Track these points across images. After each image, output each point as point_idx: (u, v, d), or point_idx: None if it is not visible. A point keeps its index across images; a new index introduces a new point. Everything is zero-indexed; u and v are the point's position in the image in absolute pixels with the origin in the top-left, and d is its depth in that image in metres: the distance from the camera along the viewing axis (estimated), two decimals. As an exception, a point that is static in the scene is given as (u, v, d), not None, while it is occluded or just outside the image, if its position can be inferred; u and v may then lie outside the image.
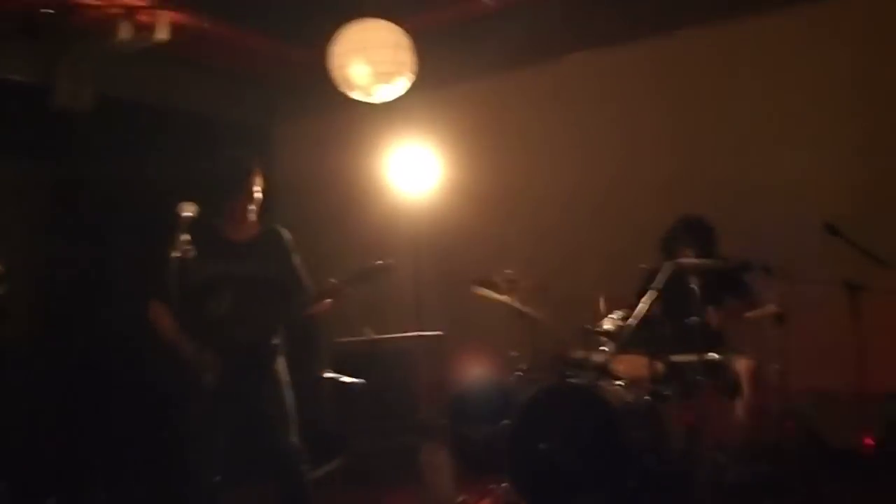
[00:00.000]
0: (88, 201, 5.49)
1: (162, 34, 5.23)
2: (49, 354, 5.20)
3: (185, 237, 3.27)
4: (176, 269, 3.17)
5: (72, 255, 5.32)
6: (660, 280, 4.18)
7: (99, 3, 5.00)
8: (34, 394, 5.01)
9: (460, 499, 4.43)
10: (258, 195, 3.75)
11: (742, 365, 4.51)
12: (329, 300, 3.70)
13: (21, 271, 4.88)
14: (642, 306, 4.01)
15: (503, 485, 4.39)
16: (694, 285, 4.21)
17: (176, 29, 5.26)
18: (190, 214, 3.33)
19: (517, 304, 4.59)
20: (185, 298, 3.31)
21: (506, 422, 4.27)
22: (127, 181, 5.58)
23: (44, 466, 4.82)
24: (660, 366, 4.29)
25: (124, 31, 5.22)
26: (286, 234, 3.89)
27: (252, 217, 3.78)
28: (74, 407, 5.14)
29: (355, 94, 4.71)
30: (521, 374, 4.59)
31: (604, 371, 4.22)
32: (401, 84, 4.66)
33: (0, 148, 5.05)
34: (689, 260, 4.24)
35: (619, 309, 4.51)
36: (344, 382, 4.36)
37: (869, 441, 4.31)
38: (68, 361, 5.23)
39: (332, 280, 3.62)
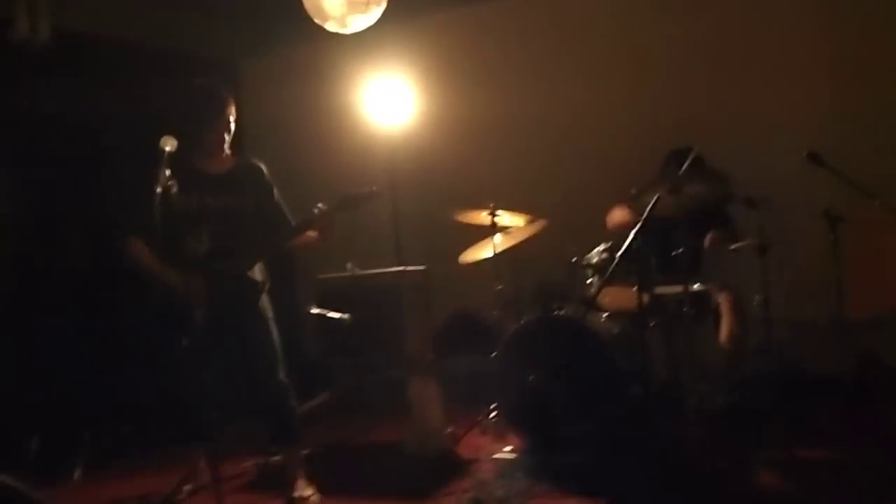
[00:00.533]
0: (55, 138, 5.30)
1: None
2: (26, 293, 5.10)
3: (167, 172, 3.17)
4: (159, 204, 3.08)
5: (40, 194, 5.17)
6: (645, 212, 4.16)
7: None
8: (12, 334, 4.92)
9: (448, 430, 4.46)
10: (233, 125, 3.65)
11: (723, 296, 4.56)
12: (315, 231, 3.64)
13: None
14: (629, 238, 4.00)
15: (491, 416, 4.43)
16: (680, 217, 4.21)
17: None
18: (171, 149, 3.23)
19: (500, 237, 4.57)
20: (165, 233, 3.23)
21: (493, 354, 4.28)
22: (91, 116, 5.42)
23: (27, 407, 4.76)
24: (644, 297, 4.30)
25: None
26: (263, 167, 3.81)
27: (227, 149, 3.69)
28: (60, 348, 5.07)
29: (329, 25, 4.55)
30: (506, 307, 4.59)
31: (589, 303, 4.23)
32: (375, 13, 4.53)
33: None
34: (676, 190, 4.21)
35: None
36: (330, 318, 4.33)
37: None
38: (48, 302, 5.16)
39: (319, 206, 3.56)
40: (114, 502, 4.08)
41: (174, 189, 3.14)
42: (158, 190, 3.07)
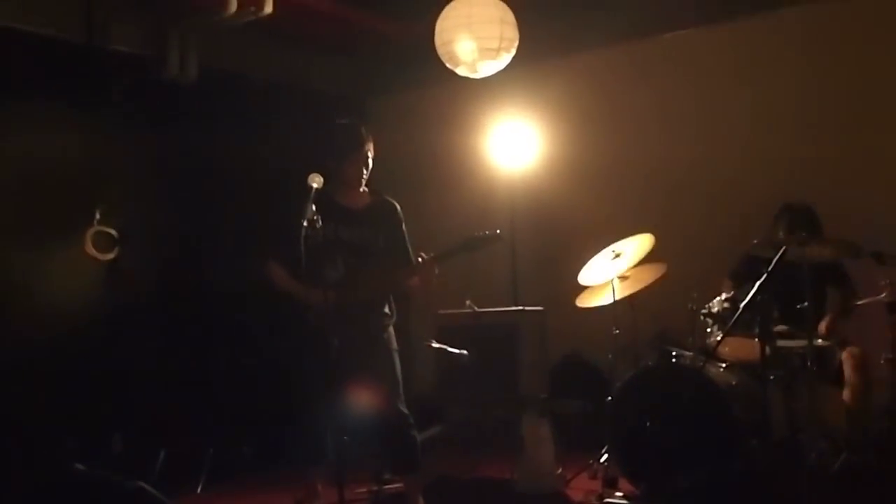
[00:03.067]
0: (197, 170, 5.64)
1: (267, 8, 5.32)
2: (163, 317, 5.40)
3: (313, 206, 3.36)
4: (303, 237, 3.26)
5: (182, 223, 5.49)
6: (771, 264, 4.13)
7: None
8: (150, 355, 5.21)
9: (559, 471, 4.48)
10: (371, 160, 3.84)
11: (847, 353, 4.45)
12: (418, 278, 3.76)
13: (135, 238, 5.11)
14: (753, 289, 3.97)
15: (602, 460, 4.43)
16: (804, 270, 4.15)
17: (281, 3, 5.35)
18: (317, 185, 3.43)
19: (619, 284, 4.59)
20: (308, 263, 3.40)
21: (609, 398, 4.29)
22: (233, 151, 5.72)
23: (156, 421, 5.03)
24: (766, 349, 4.25)
25: (232, 5, 5.33)
26: (397, 205, 3.97)
27: (364, 184, 3.87)
28: (192, 365, 5.34)
29: (461, 70, 4.71)
30: (621, 352, 4.60)
31: (709, 352, 4.20)
32: (505, 59, 4.67)
33: (113, 118, 5.21)
34: (801, 245, 4.17)
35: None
36: (450, 353, 4.44)
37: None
38: (182, 325, 5.43)
39: (422, 255, 3.69)
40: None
41: (319, 223, 3.31)
42: (304, 223, 3.25)
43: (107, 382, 4.90)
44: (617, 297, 4.49)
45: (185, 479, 4.77)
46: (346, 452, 3.55)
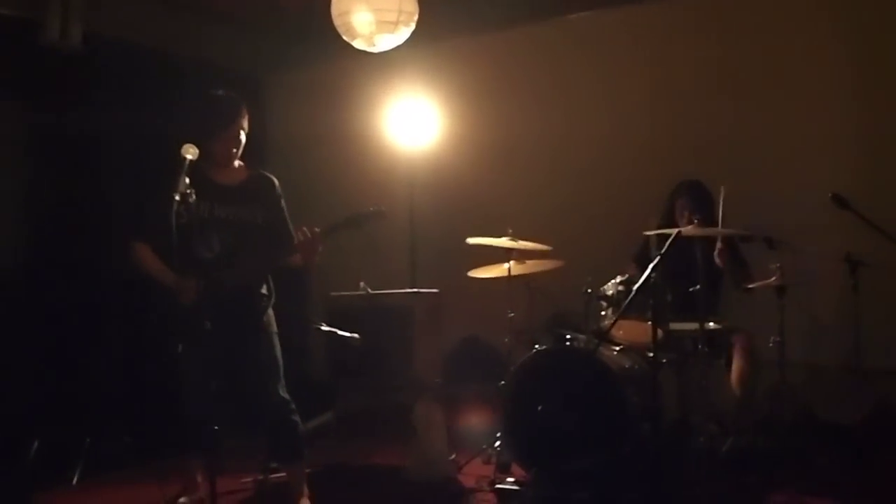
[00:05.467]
0: (76, 142, 5.34)
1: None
2: (35, 298, 5.12)
3: (185, 180, 3.15)
4: (175, 211, 3.05)
5: (58, 198, 5.19)
6: (664, 247, 4.12)
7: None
8: (20, 338, 4.92)
9: (452, 457, 4.40)
10: (243, 138, 3.64)
11: (737, 337, 4.50)
12: (300, 252, 3.57)
13: (7, 214, 4.80)
14: (646, 272, 3.95)
15: (496, 445, 4.37)
16: (697, 253, 4.16)
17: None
18: (191, 157, 3.21)
19: (514, 264, 4.52)
20: (178, 240, 3.20)
21: (502, 382, 4.22)
22: (115, 123, 5.45)
23: (28, 409, 4.74)
24: (659, 332, 4.24)
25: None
26: (275, 181, 3.79)
27: (237, 161, 3.68)
28: (64, 352, 5.06)
29: (357, 43, 4.57)
30: (517, 335, 4.55)
31: (602, 335, 4.17)
32: (404, 33, 4.54)
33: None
34: (695, 229, 4.18)
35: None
36: (341, 336, 4.29)
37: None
38: (56, 306, 5.14)
39: (304, 229, 3.51)
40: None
41: (192, 197, 3.10)
42: (177, 197, 3.04)
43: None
44: (511, 277, 4.42)
45: (60, 469, 4.51)
46: (224, 441, 3.36)
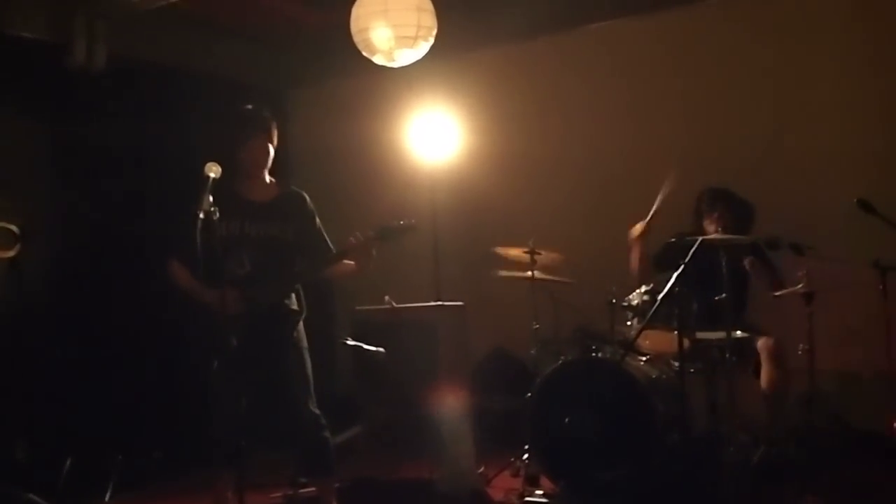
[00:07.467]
0: (104, 161, 5.40)
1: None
2: (68, 318, 5.16)
3: (209, 198, 3.19)
4: (200, 229, 3.09)
5: (88, 216, 5.26)
6: (688, 255, 4.10)
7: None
8: (50, 355, 4.96)
9: (480, 470, 4.39)
10: (271, 151, 3.68)
11: (764, 343, 4.45)
12: (352, 260, 3.63)
13: (38, 232, 4.87)
14: (671, 282, 3.93)
15: (524, 458, 4.35)
16: (722, 261, 4.13)
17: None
18: (214, 175, 3.25)
19: (539, 274, 4.53)
20: (205, 259, 3.24)
21: (528, 395, 4.22)
22: (141, 142, 5.52)
23: (62, 429, 4.79)
24: (685, 342, 4.22)
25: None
26: (306, 196, 3.83)
27: (266, 175, 3.71)
28: (96, 371, 5.10)
29: (377, 59, 4.60)
30: (543, 346, 4.54)
31: (628, 345, 4.15)
32: (423, 48, 4.57)
33: (16, 108, 4.95)
34: (717, 236, 4.15)
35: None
36: (366, 350, 4.31)
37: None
38: (86, 323, 5.19)
39: (356, 235, 3.56)
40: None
41: (216, 215, 3.14)
42: (201, 215, 3.08)
43: (9, 387, 4.65)
44: (535, 284, 4.42)
45: (92, 487, 4.55)
46: (253, 457, 3.38)
